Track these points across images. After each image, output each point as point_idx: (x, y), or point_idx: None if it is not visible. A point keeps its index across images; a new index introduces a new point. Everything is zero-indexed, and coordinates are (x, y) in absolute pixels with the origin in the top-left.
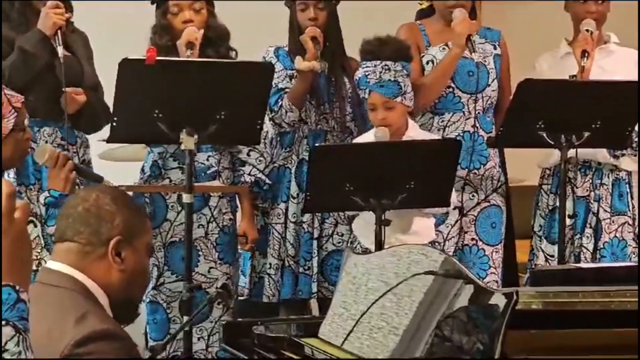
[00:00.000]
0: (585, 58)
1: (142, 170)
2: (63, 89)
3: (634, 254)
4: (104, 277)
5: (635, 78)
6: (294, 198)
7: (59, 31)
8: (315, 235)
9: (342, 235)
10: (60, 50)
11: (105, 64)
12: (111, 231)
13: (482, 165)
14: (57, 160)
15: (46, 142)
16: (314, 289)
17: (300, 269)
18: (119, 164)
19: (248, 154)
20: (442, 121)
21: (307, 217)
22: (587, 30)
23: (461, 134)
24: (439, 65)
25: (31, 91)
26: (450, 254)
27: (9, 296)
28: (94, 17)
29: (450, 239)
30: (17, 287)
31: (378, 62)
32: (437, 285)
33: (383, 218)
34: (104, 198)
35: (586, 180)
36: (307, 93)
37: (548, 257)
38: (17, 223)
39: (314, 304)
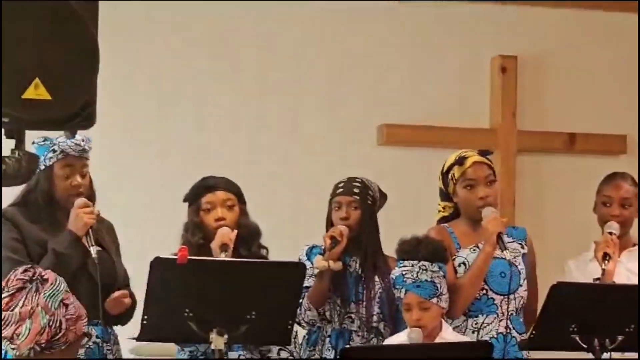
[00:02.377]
0: (607, 261)
1: None
2: (101, 288)
3: None
4: None
5: None
6: None
7: (90, 230)
8: None
9: None
10: (94, 251)
11: None
12: None
13: None
14: None
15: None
16: None
17: None
18: None
19: (278, 354)
20: (476, 323)
21: None
22: (610, 233)
23: (495, 336)
24: (473, 266)
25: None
26: None
27: None
28: None
29: None
30: None
31: (415, 262)
32: None
33: None
34: None
35: None
36: (326, 292)
37: None
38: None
39: None
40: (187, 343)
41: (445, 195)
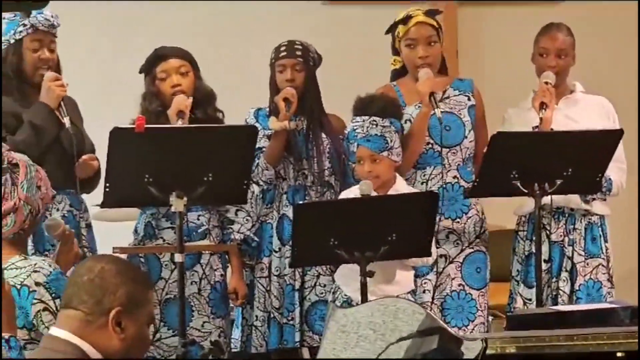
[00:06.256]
0: (544, 110)
1: (136, 230)
2: (76, 158)
3: (609, 294)
4: (104, 344)
5: (602, 125)
6: (276, 252)
7: (61, 102)
8: (297, 287)
9: (325, 285)
10: (67, 121)
11: None
12: (113, 302)
13: (464, 214)
14: (68, 237)
15: (57, 209)
16: (298, 338)
17: (284, 320)
18: (112, 225)
19: (236, 213)
20: (424, 175)
21: (289, 269)
22: (546, 83)
23: (444, 186)
24: (412, 126)
25: (43, 163)
26: (442, 299)
27: (16, 344)
28: None
29: (439, 285)
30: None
31: (366, 117)
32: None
33: (367, 270)
34: (109, 270)
35: (559, 225)
36: (282, 151)
37: (526, 300)
38: (8, 290)
39: (305, 352)
40: (148, 206)
41: (395, 50)
